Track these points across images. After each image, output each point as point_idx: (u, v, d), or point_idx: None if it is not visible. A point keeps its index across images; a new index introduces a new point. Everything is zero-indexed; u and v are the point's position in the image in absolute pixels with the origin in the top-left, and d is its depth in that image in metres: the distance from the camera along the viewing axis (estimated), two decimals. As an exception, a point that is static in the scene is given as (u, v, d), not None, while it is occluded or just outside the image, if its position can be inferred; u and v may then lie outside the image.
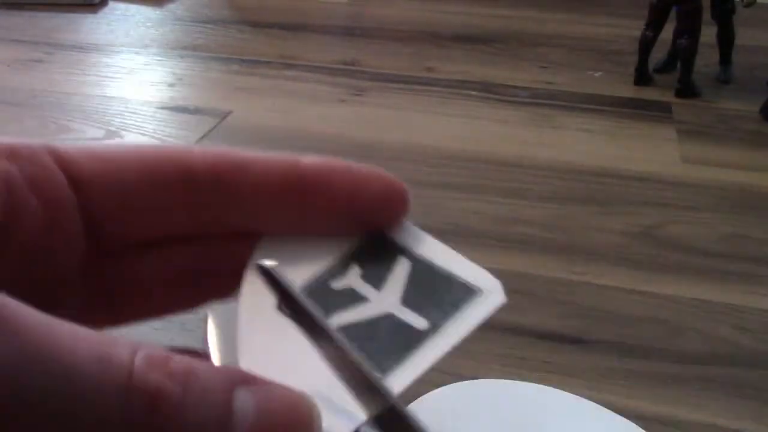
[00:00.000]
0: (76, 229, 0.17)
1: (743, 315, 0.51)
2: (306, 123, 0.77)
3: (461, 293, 0.18)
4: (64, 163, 0.17)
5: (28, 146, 0.16)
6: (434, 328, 0.17)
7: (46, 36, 0.99)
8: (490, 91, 0.84)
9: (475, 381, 0.43)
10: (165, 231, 0.18)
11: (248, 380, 0.14)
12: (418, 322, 0.17)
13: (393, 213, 0.20)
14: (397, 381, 0.16)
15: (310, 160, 0.19)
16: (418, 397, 0.41)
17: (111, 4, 1.11)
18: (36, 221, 0.16)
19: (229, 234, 0.19)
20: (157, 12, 1.09)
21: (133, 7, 1.10)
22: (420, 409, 0.40)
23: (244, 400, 0.14)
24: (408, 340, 0.17)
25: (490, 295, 0.18)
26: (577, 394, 0.43)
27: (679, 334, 0.49)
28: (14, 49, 0.94)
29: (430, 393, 0.42)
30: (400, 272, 0.19)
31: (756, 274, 0.55)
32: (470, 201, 0.63)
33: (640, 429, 0.41)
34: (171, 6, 1.11)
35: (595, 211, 0.62)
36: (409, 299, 0.18)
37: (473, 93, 0.84)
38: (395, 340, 0.17)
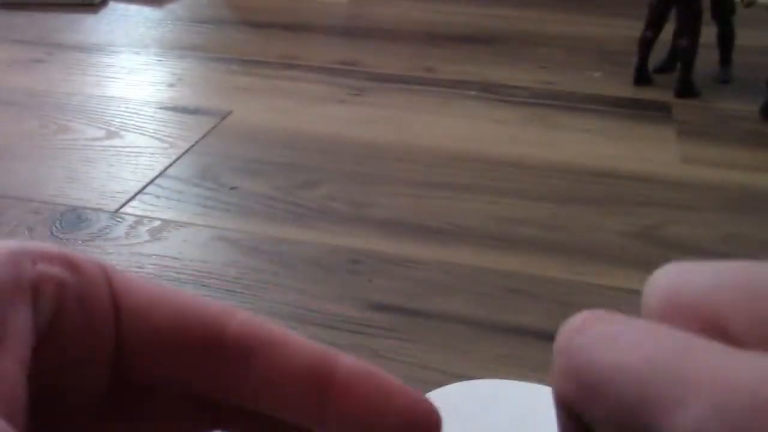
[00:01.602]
0: (108, 356, 0.17)
1: (743, 315, 0.51)
2: (306, 123, 0.77)
3: None
4: (113, 289, 0.17)
5: (88, 262, 0.16)
6: None
7: (46, 36, 0.99)
8: (490, 91, 0.84)
9: (475, 381, 0.43)
10: (179, 386, 0.18)
11: None
12: None
13: None
14: None
15: (348, 362, 0.18)
16: (418, 397, 0.41)
17: (111, 4, 1.11)
18: (75, 335, 0.16)
19: (234, 406, 0.18)
20: (157, 12, 1.09)
21: (133, 7, 1.10)
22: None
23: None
24: None
25: None
26: (577, 394, 0.43)
27: (678, 334, 0.49)
28: (14, 49, 0.94)
29: (430, 393, 0.42)
30: None
31: (756, 274, 0.55)
32: (470, 201, 0.63)
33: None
34: (171, 6, 1.11)
35: (595, 211, 0.63)
36: None
37: (473, 93, 0.84)
38: None
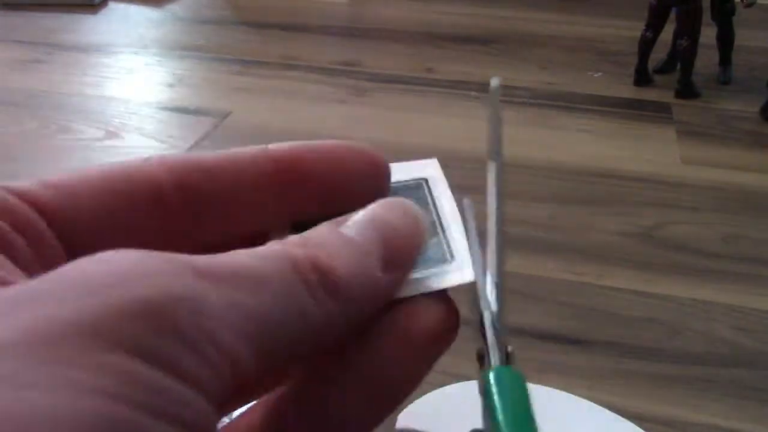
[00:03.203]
0: (60, 259, 0.16)
1: (743, 315, 0.51)
2: (306, 123, 0.77)
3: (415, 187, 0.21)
4: (25, 197, 0.16)
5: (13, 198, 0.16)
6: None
7: (46, 36, 0.99)
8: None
9: (475, 381, 0.43)
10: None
11: (342, 221, 0.17)
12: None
13: (376, 185, 0.20)
14: None
15: (277, 146, 0.19)
16: (419, 397, 0.41)
17: (111, 4, 1.11)
18: (26, 257, 0.16)
19: (205, 242, 0.18)
20: (157, 12, 1.09)
21: (133, 8, 1.10)
22: (420, 409, 0.40)
23: (361, 231, 0.17)
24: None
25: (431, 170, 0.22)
26: (577, 394, 0.43)
27: (678, 335, 0.49)
28: (14, 49, 0.94)
29: (430, 393, 0.42)
30: None
31: (755, 274, 0.55)
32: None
33: (640, 429, 0.41)
34: (171, 6, 1.11)
35: (595, 211, 0.63)
36: None
37: (473, 93, 0.84)
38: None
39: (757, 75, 0.87)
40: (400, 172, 0.21)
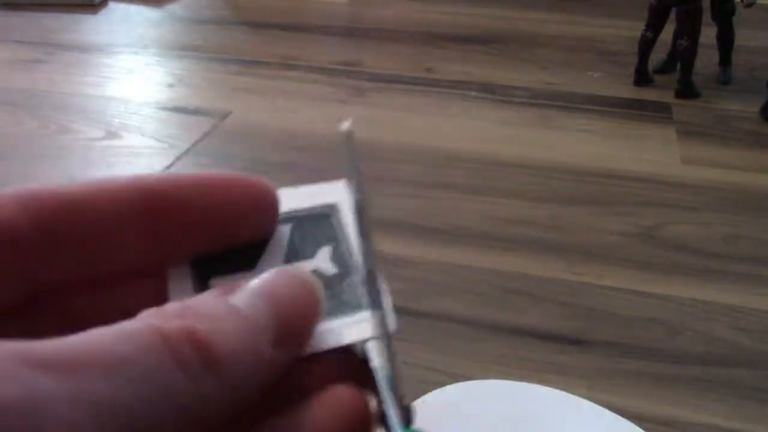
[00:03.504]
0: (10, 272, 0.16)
1: (743, 315, 0.51)
2: (306, 123, 0.77)
3: (323, 219, 0.19)
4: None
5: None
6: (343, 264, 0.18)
7: (46, 36, 0.99)
8: (490, 92, 0.84)
9: (475, 381, 0.43)
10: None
11: (230, 289, 0.16)
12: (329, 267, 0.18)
13: (262, 219, 0.18)
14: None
15: (145, 177, 0.17)
16: (419, 397, 0.41)
17: (111, 4, 1.11)
18: None
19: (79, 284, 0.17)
20: (157, 12, 1.09)
21: (133, 8, 1.10)
22: (420, 409, 0.40)
23: (251, 303, 0.15)
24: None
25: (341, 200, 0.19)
26: (577, 394, 0.43)
27: (678, 335, 0.49)
28: (14, 49, 0.94)
29: (430, 393, 0.42)
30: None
31: (755, 274, 0.55)
32: (470, 201, 0.63)
33: (640, 429, 0.41)
34: (171, 6, 1.11)
35: (595, 211, 0.63)
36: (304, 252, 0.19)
37: (473, 93, 0.84)
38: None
39: (757, 75, 0.87)
40: (305, 197, 0.20)
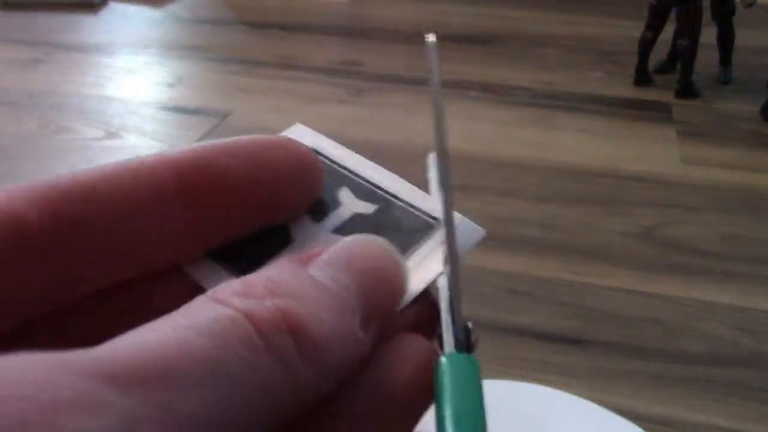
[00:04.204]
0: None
1: (743, 315, 0.51)
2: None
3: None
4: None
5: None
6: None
7: (46, 36, 0.99)
8: (490, 91, 0.84)
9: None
10: (10, 314, 0.14)
11: (308, 259, 0.13)
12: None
13: (306, 191, 0.16)
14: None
15: (180, 151, 0.15)
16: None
17: (111, 4, 1.11)
18: None
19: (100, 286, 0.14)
20: (157, 12, 1.09)
21: (133, 8, 1.10)
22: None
23: (333, 277, 0.13)
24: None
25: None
26: (577, 394, 0.43)
27: (679, 335, 0.49)
28: (14, 49, 0.94)
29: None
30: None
31: (756, 274, 0.55)
32: (470, 201, 0.63)
33: (640, 429, 0.41)
34: (171, 6, 1.11)
35: (595, 211, 0.62)
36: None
37: (473, 93, 0.84)
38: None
39: (757, 75, 0.87)
40: (411, 192, 0.18)
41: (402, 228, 0.16)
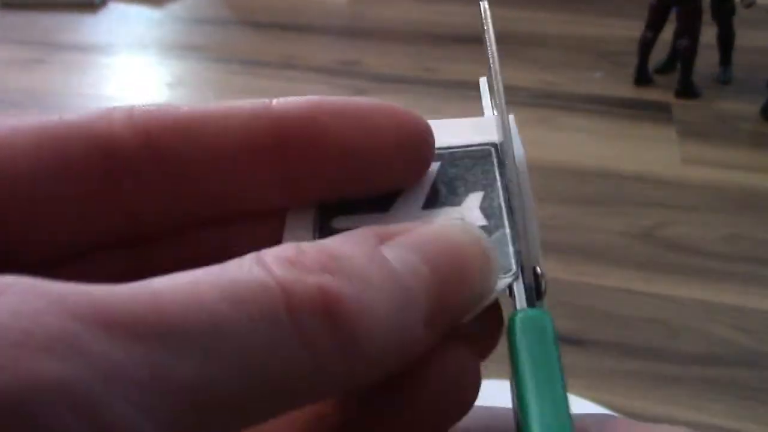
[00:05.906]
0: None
1: (743, 315, 0.51)
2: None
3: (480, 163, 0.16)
4: None
5: None
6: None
7: (46, 36, 0.99)
8: (491, 91, 0.84)
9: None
10: (84, 238, 0.13)
11: (387, 236, 0.12)
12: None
13: (416, 159, 0.15)
14: None
15: (284, 102, 0.14)
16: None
17: (111, 5, 1.11)
18: None
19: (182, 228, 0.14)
20: (157, 12, 1.09)
21: (133, 8, 1.10)
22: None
23: (407, 262, 0.11)
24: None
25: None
26: (576, 394, 0.43)
27: (679, 335, 0.49)
28: (14, 49, 0.94)
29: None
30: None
31: (756, 274, 0.55)
32: (470, 201, 0.63)
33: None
34: (171, 6, 1.11)
35: (595, 211, 0.62)
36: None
37: (473, 93, 0.84)
38: None
39: (757, 75, 0.87)
40: (459, 131, 0.16)
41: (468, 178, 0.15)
